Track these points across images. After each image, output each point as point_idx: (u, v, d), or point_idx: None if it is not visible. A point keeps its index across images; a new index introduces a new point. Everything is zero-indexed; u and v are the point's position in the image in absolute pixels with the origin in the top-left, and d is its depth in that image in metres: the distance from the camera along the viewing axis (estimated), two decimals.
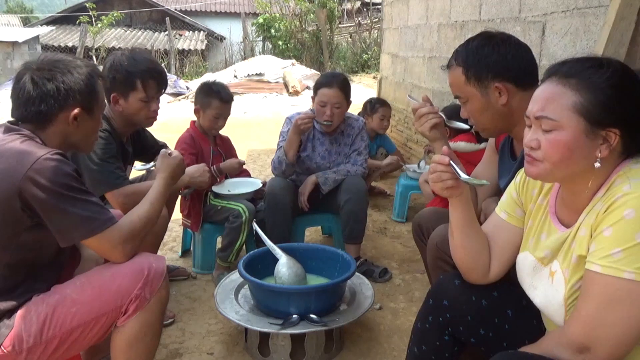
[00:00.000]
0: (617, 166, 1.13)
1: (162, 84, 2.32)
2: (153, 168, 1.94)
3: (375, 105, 4.17)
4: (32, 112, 1.45)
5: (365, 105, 4.26)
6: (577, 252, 1.13)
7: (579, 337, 1.06)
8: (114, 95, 2.21)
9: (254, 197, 2.91)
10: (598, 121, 1.09)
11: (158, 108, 2.32)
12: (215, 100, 2.81)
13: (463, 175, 1.28)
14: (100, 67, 1.91)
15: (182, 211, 2.91)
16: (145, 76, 2.22)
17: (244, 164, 2.93)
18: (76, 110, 1.48)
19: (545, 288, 1.21)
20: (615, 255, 1.02)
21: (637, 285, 1.01)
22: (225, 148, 3.04)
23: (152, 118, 2.31)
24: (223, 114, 2.86)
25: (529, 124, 1.17)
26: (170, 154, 1.86)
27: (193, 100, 2.98)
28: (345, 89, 2.82)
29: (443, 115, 1.77)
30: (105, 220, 1.44)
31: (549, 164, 1.13)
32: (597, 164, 1.11)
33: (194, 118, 2.91)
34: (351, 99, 2.90)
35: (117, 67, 2.21)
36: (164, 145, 2.58)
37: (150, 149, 2.58)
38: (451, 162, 1.28)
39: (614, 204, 1.06)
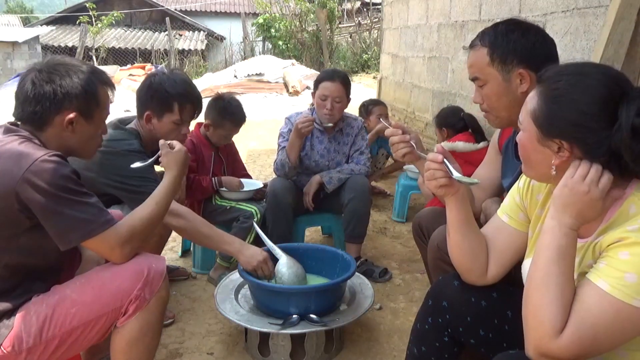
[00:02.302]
0: (628, 185, 1.10)
1: (197, 109, 2.30)
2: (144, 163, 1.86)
3: (369, 107, 4.17)
4: (28, 112, 1.46)
5: (360, 110, 4.25)
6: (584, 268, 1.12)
7: (568, 348, 1.00)
8: (148, 113, 2.17)
9: (253, 198, 2.91)
10: (544, 129, 1.11)
11: (188, 132, 2.31)
12: (228, 122, 2.82)
13: (455, 174, 1.28)
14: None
15: None
16: (183, 100, 2.19)
17: (242, 186, 2.88)
18: (71, 115, 1.47)
19: None
20: (629, 279, 0.98)
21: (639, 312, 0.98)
22: (227, 154, 3.02)
23: (180, 141, 2.29)
24: (233, 134, 2.89)
25: None
26: (172, 147, 1.77)
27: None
28: (346, 84, 2.83)
29: (413, 144, 1.65)
30: (103, 222, 1.43)
31: (523, 163, 1.20)
32: (552, 172, 1.12)
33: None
34: (350, 96, 2.90)
35: (156, 86, 2.17)
36: None
37: None
38: (445, 160, 1.29)
39: (633, 234, 1.01)
